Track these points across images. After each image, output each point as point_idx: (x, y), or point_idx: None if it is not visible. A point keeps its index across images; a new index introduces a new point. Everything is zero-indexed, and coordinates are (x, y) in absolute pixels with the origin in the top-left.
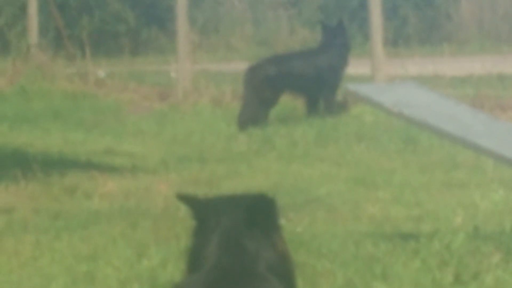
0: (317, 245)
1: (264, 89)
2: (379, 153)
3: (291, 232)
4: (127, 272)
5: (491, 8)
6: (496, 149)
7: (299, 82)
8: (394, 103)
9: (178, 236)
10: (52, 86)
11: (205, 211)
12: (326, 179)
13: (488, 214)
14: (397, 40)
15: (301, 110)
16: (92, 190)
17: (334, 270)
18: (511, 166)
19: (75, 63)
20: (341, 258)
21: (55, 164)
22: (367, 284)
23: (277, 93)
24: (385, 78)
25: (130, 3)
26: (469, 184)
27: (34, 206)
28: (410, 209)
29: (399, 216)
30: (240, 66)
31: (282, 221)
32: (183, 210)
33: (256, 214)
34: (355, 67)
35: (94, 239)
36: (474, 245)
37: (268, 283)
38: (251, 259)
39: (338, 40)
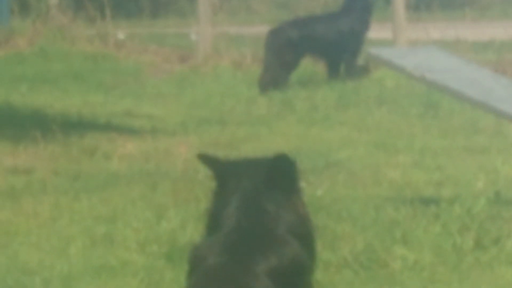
0: (337, 209)
1: (285, 52)
2: (400, 117)
3: (311, 196)
4: (146, 234)
5: None
6: None
7: (321, 45)
8: (416, 67)
9: (197, 198)
10: (72, 47)
11: (225, 172)
12: (346, 143)
13: (509, 179)
14: (419, 4)
15: (322, 74)
16: (112, 151)
17: (354, 234)
18: None
19: (95, 25)
20: (361, 222)
21: (74, 126)
22: (387, 248)
23: (298, 56)
24: (407, 42)
25: None
26: (490, 149)
27: (53, 167)
28: (430, 174)
29: (420, 180)
30: (261, 29)
31: (303, 185)
32: (202, 172)
33: (276, 176)
34: (376, 32)
35: (113, 201)
36: (495, 210)
37: (288, 245)
38: (271, 220)
39: (360, 4)
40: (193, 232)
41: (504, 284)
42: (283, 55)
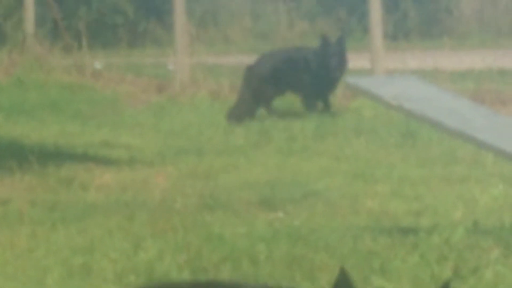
0: (315, 239)
1: (260, 89)
2: (378, 147)
3: (289, 226)
4: (124, 264)
5: (492, 2)
6: (496, 144)
7: (296, 83)
8: (394, 97)
9: (175, 228)
10: (49, 77)
11: None
12: (324, 173)
13: (488, 209)
14: (397, 33)
15: (299, 104)
16: (89, 182)
17: (332, 264)
18: (511, 160)
19: (72, 55)
20: (339, 252)
21: (51, 156)
22: (366, 278)
23: (273, 93)
24: (385, 72)
25: None
26: (468, 178)
27: (30, 198)
28: (409, 204)
29: (398, 210)
30: (238, 59)
31: (280, 215)
32: (180, 202)
33: None
34: (354, 61)
35: (90, 231)
36: (474, 240)
37: None
38: None
39: (336, 49)
40: (170, 263)
41: None
42: (257, 91)
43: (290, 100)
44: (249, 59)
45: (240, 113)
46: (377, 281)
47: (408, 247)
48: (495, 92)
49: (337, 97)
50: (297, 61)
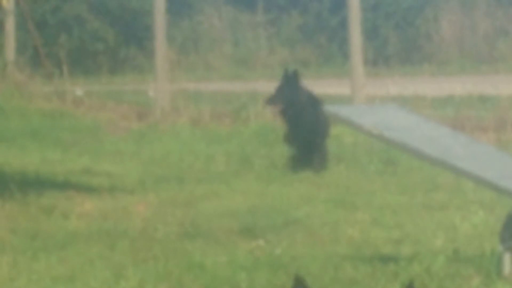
0: (296, 267)
1: None
2: (359, 174)
3: (270, 254)
4: None
5: (471, 28)
6: (476, 172)
7: None
8: (374, 125)
9: (156, 257)
10: (30, 104)
11: None
12: (305, 201)
13: (468, 236)
14: (377, 60)
15: (280, 132)
16: (70, 210)
17: None
18: (491, 188)
19: (53, 82)
20: (320, 281)
21: (32, 184)
22: None
23: None
24: (365, 98)
25: (108, 22)
26: (449, 206)
27: (11, 226)
28: (389, 231)
29: (379, 238)
30: (219, 85)
31: (261, 243)
32: (161, 231)
33: None
34: (334, 87)
35: (71, 260)
36: (454, 268)
37: None
38: None
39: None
40: None
41: None
42: None
43: (270, 126)
44: (230, 86)
45: None
46: None
47: (389, 276)
48: (475, 119)
49: None
50: None
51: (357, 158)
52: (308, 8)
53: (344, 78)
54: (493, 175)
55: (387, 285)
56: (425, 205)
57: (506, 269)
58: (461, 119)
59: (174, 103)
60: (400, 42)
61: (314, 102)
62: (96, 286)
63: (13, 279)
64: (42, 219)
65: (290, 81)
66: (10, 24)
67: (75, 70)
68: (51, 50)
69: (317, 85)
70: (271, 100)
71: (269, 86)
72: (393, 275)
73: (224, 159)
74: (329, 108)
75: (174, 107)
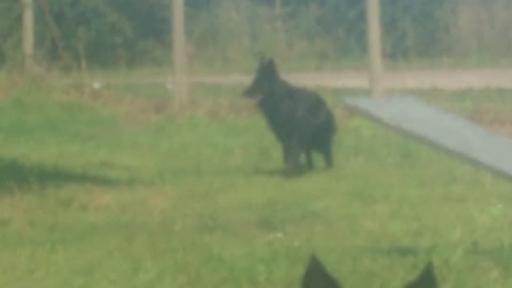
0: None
1: None
2: (377, 167)
3: (288, 247)
4: (123, 286)
5: (490, 21)
6: (495, 164)
7: None
8: (393, 117)
9: (174, 249)
10: (48, 97)
11: None
12: (323, 193)
13: (487, 229)
14: (396, 53)
15: None
16: (88, 202)
17: None
18: (510, 180)
19: (71, 75)
20: (338, 274)
21: (50, 176)
22: None
23: None
24: (383, 91)
25: (127, 15)
26: (467, 198)
27: (30, 219)
28: (408, 224)
29: (397, 230)
30: (237, 78)
31: (279, 235)
32: (179, 223)
33: None
34: (353, 80)
35: (90, 252)
36: (473, 260)
37: None
38: None
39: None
40: (170, 284)
41: None
42: None
43: None
44: (248, 79)
45: None
46: None
47: (408, 268)
48: (493, 112)
49: (336, 116)
50: None
51: (375, 150)
52: (326, 1)
53: (362, 71)
54: (511, 168)
55: (406, 278)
56: (444, 198)
57: None
58: (480, 112)
59: (192, 96)
60: (418, 35)
61: (308, 97)
62: (114, 279)
63: (32, 271)
64: (60, 212)
65: (267, 72)
66: (28, 17)
67: (93, 63)
68: (69, 43)
69: (335, 77)
70: (248, 93)
71: (287, 78)
72: (412, 268)
73: (242, 152)
74: (348, 101)
75: (192, 100)
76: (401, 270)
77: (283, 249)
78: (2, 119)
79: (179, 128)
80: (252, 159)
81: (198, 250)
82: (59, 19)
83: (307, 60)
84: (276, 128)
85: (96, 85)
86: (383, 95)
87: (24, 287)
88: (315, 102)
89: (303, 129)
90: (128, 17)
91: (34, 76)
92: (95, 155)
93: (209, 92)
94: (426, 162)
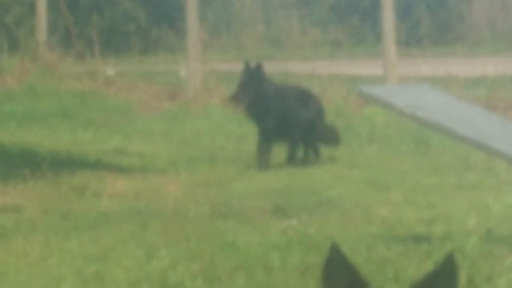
0: (328, 247)
1: None
2: (391, 154)
3: (303, 234)
4: (137, 273)
5: (504, 9)
6: (509, 151)
7: None
8: (407, 105)
9: (188, 237)
10: (61, 85)
11: None
12: (337, 181)
13: (501, 216)
14: (410, 40)
15: None
16: (101, 190)
17: None
18: None
19: (84, 62)
20: (353, 261)
21: (64, 164)
22: (379, 287)
23: None
24: (397, 78)
25: (140, 2)
26: (481, 186)
27: (43, 206)
28: (422, 212)
29: (411, 218)
30: None
31: (293, 222)
32: (193, 211)
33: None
34: (367, 68)
35: (103, 240)
36: (487, 248)
37: None
38: None
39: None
40: (184, 271)
41: None
42: None
43: None
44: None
45: None
46: None
47: (422, 256)
48: (507, 99)
49: (350, 104)
50: None
51: (389, 138)
52: None
53: (376, 59)
54: None
55: (420, 265)
56: (458, 185)
57: None
58: (494, 99)
59: (205, 83)
60: (433, 23)
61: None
62: (128, 266)
63: (45, 258)
64: (74, 199)
65: (254, 76)
66: (41, 5)
67: (106, 50)
68: (83, 30)
69: (349, 65)
70: (235, 98)
71: (301, 66)
72: (426, 255)
73: (256, 140)
74: (362, 88)
75: (205, 88)
76: (415, 257)
77: (297, 237)
78: (15, 106)
79: (192, 115)
80: None
81: (211, 238)
82: (73, 6)
83: (321, 48)
84: (268, 129)
85: (110, 72)
86: (397, 82)
87: (38, 274)
88: (304, 98)
89: (296, 126)
90: (141, 4)
91: (47, 63)
92: (108, 142)
93: (222, 79)
94: (440, 149)
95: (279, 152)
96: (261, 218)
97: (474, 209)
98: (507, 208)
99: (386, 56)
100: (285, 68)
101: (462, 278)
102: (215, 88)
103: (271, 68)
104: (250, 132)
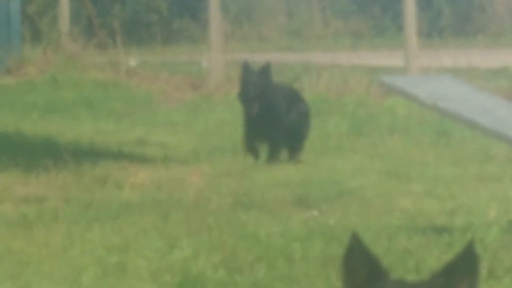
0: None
1: None
2: (412, 145)
3: (324, 225)
4: (159, 263)
5: None
6: None
7: None
8: (428, 96)
9: (210, 227)
10: (83, 75)
11: None
12: (358, 172)
13: None
14: (431, 31)
15: (334, 103)
16: (123, 180)
17: None
18: None
19: (107, 52)
20: (373, 252)
21: (86, 154)
22: (402, 278)
23: None
24: (419, 69)
25: None
26: (502, 177)
27: (65, 196)
28: (443, 203)
29: (432, 209)
30: (273, 56)
31: (314, 213)
32: (215, 201)
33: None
34: (388, 59)
35: (125, 230)
36: (508, 239)
37: None
38: None
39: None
40: (205, 262)
41: None
42: None
43: (324, 97)
44: (284, 57)
45: None
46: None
47: (443, 247)
48: None
49: (372, 95)
50: None
51: (410, 129)
52: None
53: (397, 50)
54: None
55: (441, 256)
56: (479, 176)
57: None
58: None
59: (227, 74)
60: (454, 14)
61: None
62: (149, 256)
63: (67, 248)
64: (96, 189)
65: (263, 76)
66: None
67: (128, 40)
68: (105, 20)
69: (371, 56)
70: (249, 99)
71: (322, 57)
72: (447, 246)
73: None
74: (384, 79)
75: (227, 78)
76: (436, 248)
77: (318, 227)
78: (37, 96)
79: (214, 106)
80: None
81: (233, 228)
82: None
83: (342, 39)
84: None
85: (132, 62)
86: (419, 73)
87: (60, 264)
88: (293, 98)
89: (282, 125)
90: None
91: (69, 53)
92: (130, 132)
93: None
94: (461, 140)
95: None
96: (283, 209)
97: (495, 200)
98: None
99: (408, 47)
100: (306, 59)
101: (483, 270)
102: (236, 78)
103: (292, 59)
104: None
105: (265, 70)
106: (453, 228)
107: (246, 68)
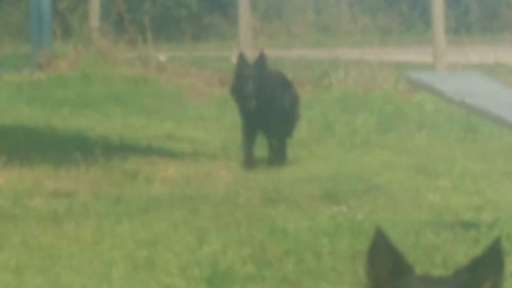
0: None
1: None
2: (440, 141)
3: (352, 220)
4: (188, 258)
5: None
6: None
7: None
8: (456, 92)
9: (239, 222)
10: (113, 70)
11: None
12: (386, 167)
13: None
14: (459, 28)
15: (362, 99)
16: (153, 175)
17: None
18: None
19: (137, 48)
20: (401, 247)
21: (116, 149)
22: (427, 273)
23: None
24: (447, 66)
25: None
26: None
27: (95, 191)
28: (470, 198)
29: (460, 204)
30: (301, 52)
31: (342, 208)
32: (244, 196)
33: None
34: (416, 55)
35: (154, 225)
36: None
37: None
38: None
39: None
40: (234, 256)
41: None
42: None
43: (352, 92)
44: (312, 53)
45: None
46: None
47: (470, 242)
48: None
49: (400, 91)
50: None
51: (438, 125)
52: None
53: (425, 46)
54: None
55: (468, 251)
56: (506, 172)
57: None
58: None
59: None
60: (481, 10)
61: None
62: (179, 251)
63: (97, 243)
64: (126, 184)
65: (258, 67)
66: None
67: (158, 36)
68: (135, 16)
69: (399, 52)
70: (248, 93)
71: (350, 53)
72: (474, 241)
73: (306, 126)
74: (412, 75)
75: None
76: (464, 244)
77: (346, 222)
78: (68, 91)
79: None
80: (315, 133)
81: (262, 223)
82: None
83: (370, 35)
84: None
85: (162, 58)
86: (446, 70)
87: (90, 258)
88: (284, 84)
89: (280, 116)
90: None
91: (100, 49)
92: (160, 128)
93: (273, 65)
94: (488, 136)
95: (330, 137)
96: (311, 204)
97: None
98: None
99: (435, 43)
100: (335, 55)
101: (510, 265)
102: None
103: (321, 55)
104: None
105: (261, 61)
106: (480, 224)
107: (242, 61)
